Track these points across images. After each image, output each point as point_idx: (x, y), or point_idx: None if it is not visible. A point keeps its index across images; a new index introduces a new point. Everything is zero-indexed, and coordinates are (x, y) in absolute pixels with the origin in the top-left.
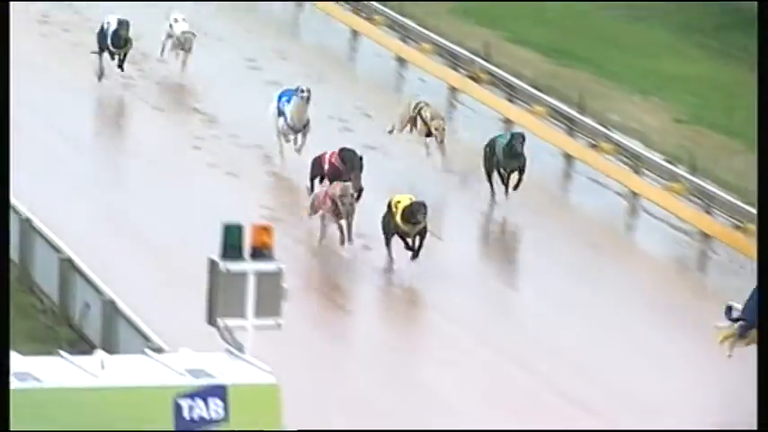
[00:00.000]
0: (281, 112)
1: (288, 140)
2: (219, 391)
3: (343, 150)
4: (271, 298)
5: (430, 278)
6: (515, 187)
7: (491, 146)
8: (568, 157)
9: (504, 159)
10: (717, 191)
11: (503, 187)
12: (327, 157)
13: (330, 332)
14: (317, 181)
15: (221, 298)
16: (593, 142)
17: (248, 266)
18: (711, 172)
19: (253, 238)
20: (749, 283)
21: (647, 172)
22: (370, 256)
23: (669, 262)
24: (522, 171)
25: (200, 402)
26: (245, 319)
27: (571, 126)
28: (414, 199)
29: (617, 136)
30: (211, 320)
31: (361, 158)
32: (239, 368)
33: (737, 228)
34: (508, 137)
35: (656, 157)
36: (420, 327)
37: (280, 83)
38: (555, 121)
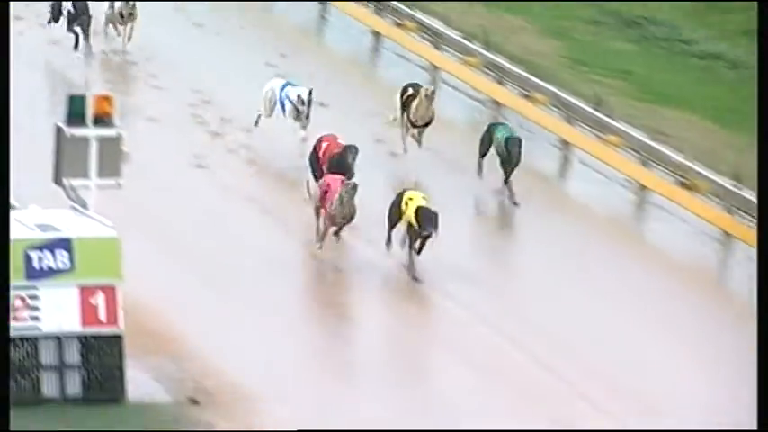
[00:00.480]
0: (283, 101)
1: (300, 121)
2: (65, 244)
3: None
4: (111, 160)
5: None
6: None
7: (489, 133)
8: (377, 35)
9: (501, 156)
10: (507, 64)
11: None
12: (324, 147)
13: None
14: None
15: (66, 160)
16: (400, 22)
17: (90, 132)
18: (503, 47)
19: (95, 107)
20: (535, 144)
21: (446, 48)
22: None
23: (465, 126)
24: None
25: (47, 254)
26: (89, 179)
27: (379, 7)
28: (426, 202)
29: (420, 16)
30: (58, 180)
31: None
32: (83, 223)
33: (526, 96)
34: (506, 136)
35: (454, 35)
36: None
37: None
38: (364, 3)
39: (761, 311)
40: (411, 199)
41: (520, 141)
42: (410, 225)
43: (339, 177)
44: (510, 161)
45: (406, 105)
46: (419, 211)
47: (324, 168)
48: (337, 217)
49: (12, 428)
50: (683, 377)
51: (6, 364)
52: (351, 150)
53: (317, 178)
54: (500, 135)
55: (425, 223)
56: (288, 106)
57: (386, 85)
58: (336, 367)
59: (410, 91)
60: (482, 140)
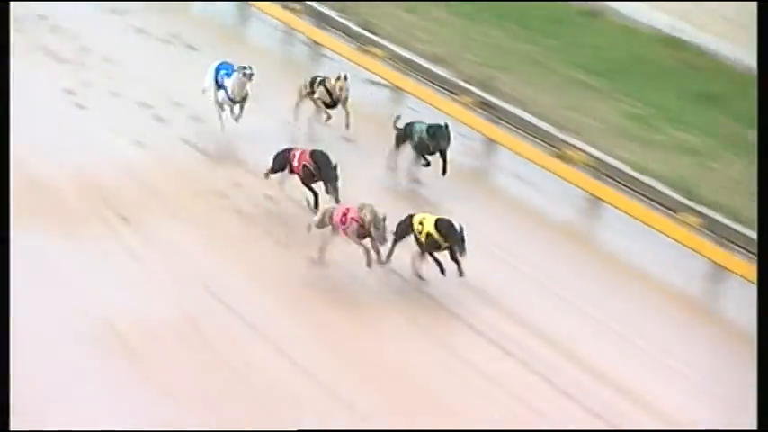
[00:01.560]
0: (219, 85)
1: (224, 110)
2: None
3: (315, 153)
4: None
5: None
6: (443, 171)
7: (409, 131)
8: None
9: (425, 145)
10: None
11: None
12: (297, 155)
13: None
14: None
15: None
16: None
17: None
18: None
19: None
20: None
21: None
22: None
23: (279, 55)
24: (444, 155)
25: None
26: None
27: None
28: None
29: None
30: None
31: (335, 166)
32: None
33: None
34: (425, 127)
35: None
36: None
37: None
38: None
39: (760, 312)
40: (422, 222)
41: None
42: (429, 235)
43: (352, 206)
44: (439, 147)
45: (321, 84)
46: (438, 223)
47: (301, 173)
48: (366, 227)
49: (12, 428)
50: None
51: (6, 363)
52: (326, 159)
53: (273, 171)
54: (419, 128)
55: (451, 234)
56: (221, 94)
57: (204, 23)
58: None
59: (319, 79)
60: (398, 137)
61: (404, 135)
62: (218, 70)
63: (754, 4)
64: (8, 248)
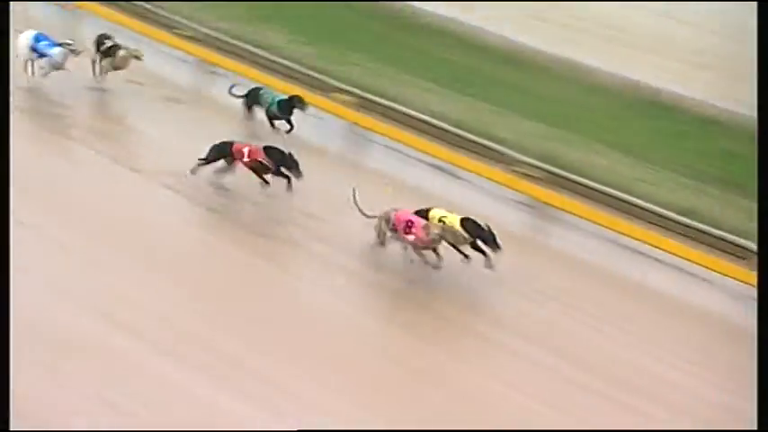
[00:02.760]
0: (42, 53)
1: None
2: None
3: (268, 149)
4: None
5: None
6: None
7: (256, 97)
8: None
9: (277, 113)
10: None
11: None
12: (246, 151)
13: None
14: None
15: None
16: None
17: None
18: None
19: None
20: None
21: None
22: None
23: None
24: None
25: None
26: None
27: None
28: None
29: None
30: None
31: (291, 155)
32: None
33: None
34: (281, 99)
35: None
36: None
37: None
38: None
39: (761, 312)
40: (445, 217)
41: (291, 103)
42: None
43: (417, 217)
44: (286, 115)
45: (108, 53)
46: (465, 222)
47: (255, 167)
48: (432, 244)
49: (12, 428)
50: None
51: (6, 364)
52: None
53: (207, 162)
54: (269, 99)
55: (476, 232)
56: (47, 60)
57: None
58: None
59: (108, 42)
60: (247, 104)
61: (252, 101)
62: (37, 39)
63: None
64: (8, 248)
